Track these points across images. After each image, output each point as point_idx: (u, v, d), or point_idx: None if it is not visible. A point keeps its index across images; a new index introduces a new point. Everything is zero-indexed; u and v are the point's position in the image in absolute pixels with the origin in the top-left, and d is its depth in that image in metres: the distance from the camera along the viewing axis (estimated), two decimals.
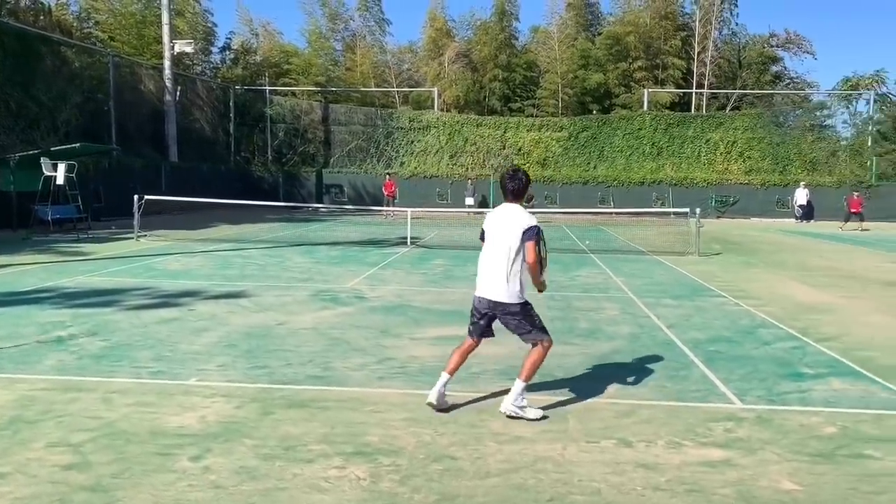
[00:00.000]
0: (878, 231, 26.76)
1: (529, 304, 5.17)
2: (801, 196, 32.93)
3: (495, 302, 5.08)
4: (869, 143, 37.30)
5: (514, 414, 4.98)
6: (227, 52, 43.32)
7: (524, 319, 5.09)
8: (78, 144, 20.55)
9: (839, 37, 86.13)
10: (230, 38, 44.01)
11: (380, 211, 30.15)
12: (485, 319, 5.19)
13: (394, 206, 30.27)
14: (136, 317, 8.33)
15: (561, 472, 4.09)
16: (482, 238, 5.30)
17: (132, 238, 17.60)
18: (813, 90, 44.41)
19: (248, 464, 4.16)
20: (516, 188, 5.19)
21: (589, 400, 5.48)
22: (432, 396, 5.08)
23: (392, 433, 4.69)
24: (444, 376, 5.15)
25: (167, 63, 31.16)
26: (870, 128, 37.85)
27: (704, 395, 5.66)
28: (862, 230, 27.07)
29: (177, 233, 19.83)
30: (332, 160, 38.63)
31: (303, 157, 38.74)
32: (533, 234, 4.98)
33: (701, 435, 4.74)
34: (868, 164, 36.08)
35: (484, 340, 5.29)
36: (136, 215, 17.85)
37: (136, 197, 17.89)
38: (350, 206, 32.50)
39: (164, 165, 29.85)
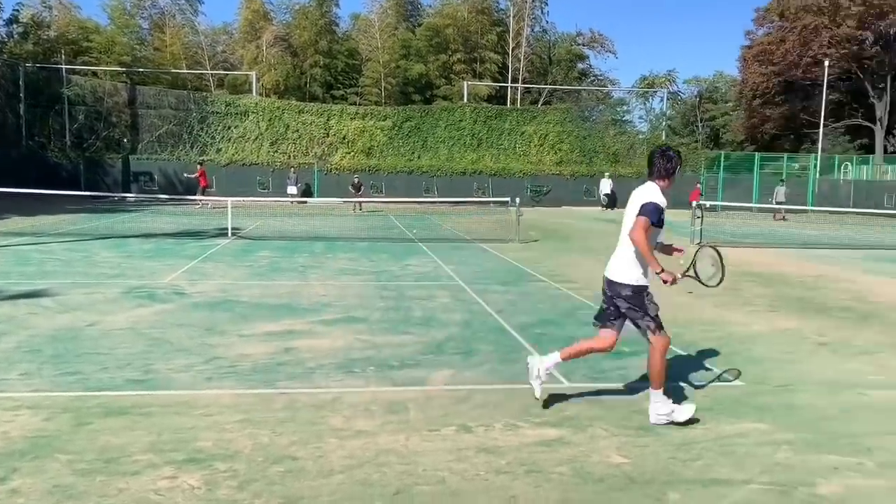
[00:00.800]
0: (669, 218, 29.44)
1: (646, 291, 4.70)
2: (605, 186, 35.51)
3: (610, 281, 4.78)
4: (663, 137, 41.05)
5: (663, 422, 4.72)
6: (15, 26, 38.96)
7: (635, 303, 4.68)
8: None
9: (637, 38, 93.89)
10: (18, 10, 39.66)
11: (194, 200, 28.65)
12: (609, 303, 4.84)
13: (207, 194, 28.94)
14: None
15: (405, 464, 4.07)
16: None
17: None
18: (614, 87, 48.08)
19: (63, 482, 3.74)
20: (663, 167, 4.77)
21: (427, 388, 5.52)
22: (536, 380, 4.91)
23: (226, 437, 4.43)
24: (555, 356, 4.92)
25: None
26: (663, 123, 41.65)
27: None
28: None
29: None
30: (140, 146, 36.01)
31: (107, 142, 35.75)
32: (648, 210, 4.55)
33: (535, 415, 4.93)
34: None
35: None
36: None
37: None
38: (162, 196, 30.50)
39: None
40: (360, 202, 29.01)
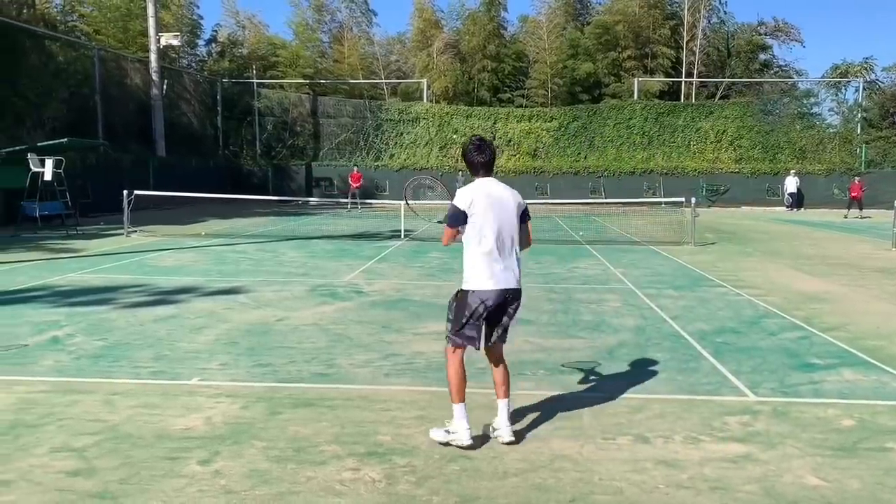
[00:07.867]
0: (868, 219, 26.82)
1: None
2: (790, 184, 33.02)
3: (514, 290, 4.50)
4: (858, 131, 37.43)
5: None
6: (214, 45, 42.91)
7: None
8: (65, 140, 20.22)
9: (828, 25, 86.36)
10: (216, 31, 43.62)
11: (370, 205, 30.07)
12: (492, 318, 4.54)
13: (358, 197, 30.17)
14: (133, 315, 8.17)
15: (580, 471, 4.00)
16: (464, 220, 4.47)
17: (122, 234, 17.37)
18: (801, 78, 44.46)
19: (259, 467, 4.04)
20: (490, 160, 4.56)
21: (600, 395, 5.39)
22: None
23: (404, 432, 4.59)
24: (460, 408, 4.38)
25: (153, 56, 30.75)
26: (857, 115, 37.98)
27: (716, 387, 5.59)
28: (861, 217, 27.02)
29: (167, 228, 19.61)
30: (321, 153, 38.34)
31: (292, 150, 38.42)
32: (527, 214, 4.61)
33: (718, 429, 4.66)
34: (857, 151, 36.20)
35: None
36: (126, 211, 17.61)
37: (125, 192, 17.65)
38: (341, 199, 32.28)
39: (152, 160, 29.51)
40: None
